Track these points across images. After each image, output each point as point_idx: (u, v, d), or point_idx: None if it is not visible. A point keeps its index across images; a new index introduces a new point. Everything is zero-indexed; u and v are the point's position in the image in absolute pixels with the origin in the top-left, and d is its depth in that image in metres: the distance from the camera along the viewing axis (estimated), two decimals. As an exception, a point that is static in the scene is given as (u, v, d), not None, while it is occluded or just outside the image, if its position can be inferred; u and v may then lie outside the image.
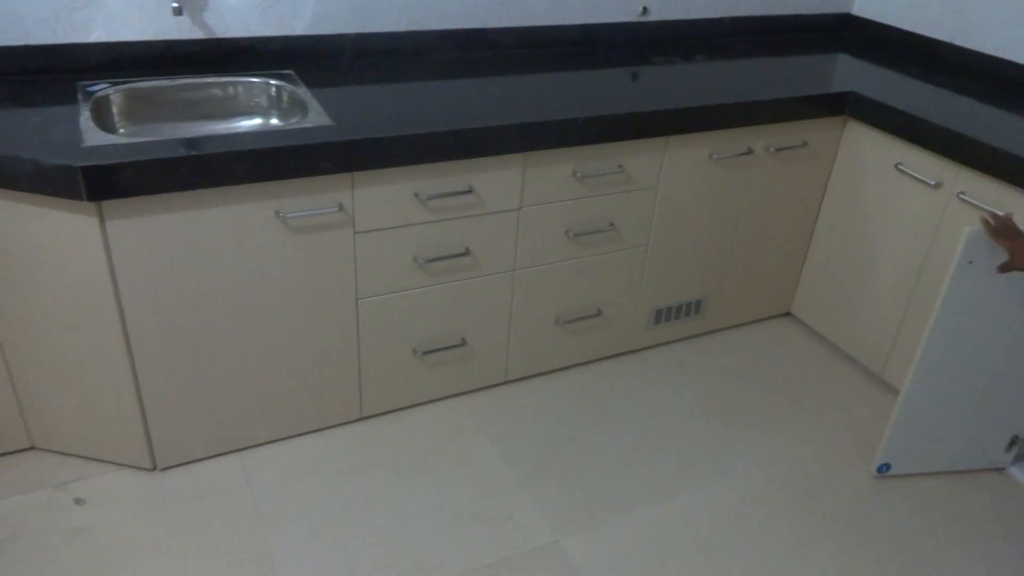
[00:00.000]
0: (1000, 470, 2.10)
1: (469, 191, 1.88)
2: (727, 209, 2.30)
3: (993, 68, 2.46)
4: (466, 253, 1.97)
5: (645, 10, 2.52)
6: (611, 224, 2.14)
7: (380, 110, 1.83)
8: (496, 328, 2.13)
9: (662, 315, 2.41)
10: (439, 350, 2.07)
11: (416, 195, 1.82)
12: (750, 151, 2.22)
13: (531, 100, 1.97)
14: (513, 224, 1.99)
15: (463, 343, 2.10)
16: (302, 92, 1.90)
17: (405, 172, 1.78)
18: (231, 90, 1.97)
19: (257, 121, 2.00)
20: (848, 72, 2.44)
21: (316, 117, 1.76)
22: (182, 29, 1.96)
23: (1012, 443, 2.04)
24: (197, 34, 1.97)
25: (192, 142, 1.60)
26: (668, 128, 2.04)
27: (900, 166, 2.16)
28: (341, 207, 1.75)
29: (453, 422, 2.12)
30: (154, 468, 1.90)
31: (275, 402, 1.94)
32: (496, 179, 1.90)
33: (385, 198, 1.79)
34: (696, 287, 2.41)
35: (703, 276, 2.40)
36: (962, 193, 2.02)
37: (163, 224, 1.61)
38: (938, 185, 2.07)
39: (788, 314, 2.69)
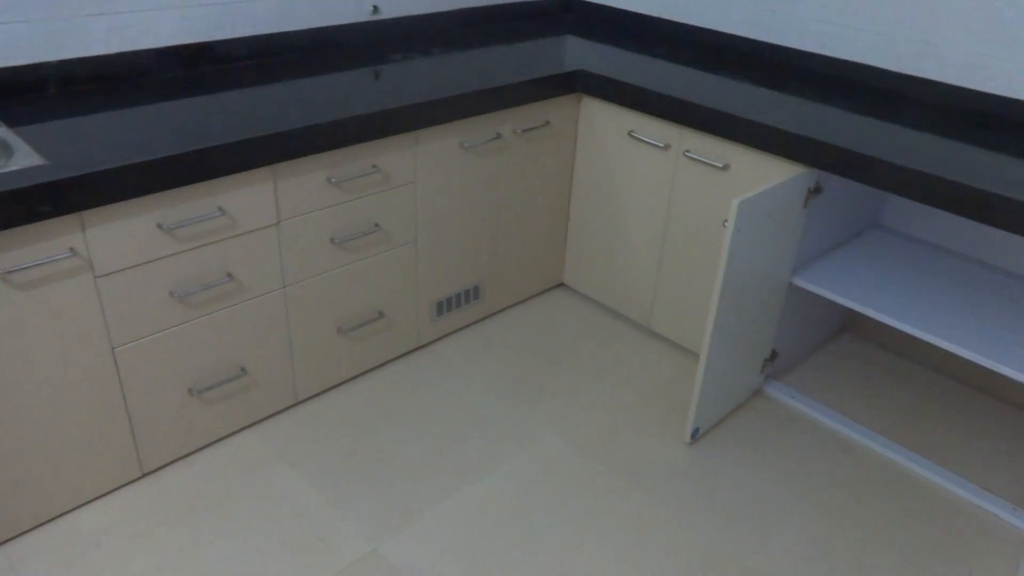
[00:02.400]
0: (760, 391, 2.36)
1: (219, 213, 1.78)
2: (487, 194, 2.38)
3: (700, 38, 2.74)
4: (229, 278, 1.86)
5: (376, 9, 2.52)
6: (376, 225, 2.12)
7: (101, 141, 1.68)
8: (276, 350, 2.05)
9: (443, 306, 2.44)
10: (218, 385, 1.95)
11: (160, 226, 1.70)
12: (498, 136, 2.30)
13: (271, 110, 1.90)
14: (274, 240, 1.92)
15: (243, 372, 2.00)
16: (3, 132, 1.69)
17: (142, 203, 1.65)
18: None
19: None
20: (575, 52, 2.60)
21: (24, 158, 1.57)
22: None
23: (770, 358, 2.30)
24: None
25: None
26: (417, 122, 2.06)
27: (633, 133, 2.35)
28: (74, 252, 1.59)
29: (248, 456, 2.01)
30: None
31: (38, 482, 1.73)
32: (246, 196, 1.82)
33: (125, 235, 1.65)
34: (471, 274, 2.47)
35: (476, 262, 2.47)
36: (687, 151, 2.23)
37: None
38: (667, 146, 2.28)
39: (561, 285, 2.84)
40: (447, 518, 1.87)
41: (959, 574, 1.80)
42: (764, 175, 2.08)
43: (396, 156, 2.08)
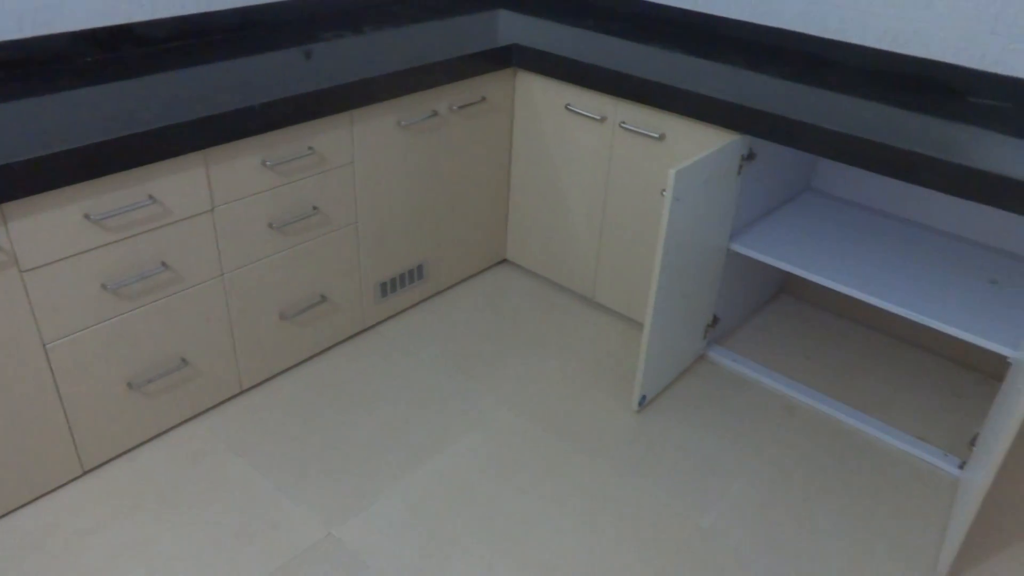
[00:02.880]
0: (703, 356, 2.41)
1: (150, 201, 1.73)
2: (426, 172, 2.36)
3: (632, 9, 2.75)
4: (164, 267, 1.81)
5: (303, -14, 2.46)
6: (315, 208, 2.09)
7: (19, 130, 1.61)
8: (218, 339, 2.01)
9: (387, 287, 2.42)
10: (158, 377, 1.91)
11: (87, 216, 1.64)
12: (435, 113, 2.28)
13: (199, 94, 1.84)
14: (209, 227, 1.87)
15: (184, 363, 1.96)
16: (-87, 123, 1.61)
17: (67, 194, 1.59)
18: None
19: None
20: (509, 26, 2.58)
21: (-63, 149, 1.50)
22: None
23: (711, 324, 2.35)
24: None
25: None
26: (351, 102, 2.02)
27: (569, 106, 2.35)
28: (-4, 246, 1.53)
29: (193, 447, 1.97)
30: None
31: (-31, 483, 1.67)
32: (178, 183, 1.77)
33: (51, 226, 1.59)
34: (414, 253, 2.46)
35: (418, 241, 2.45)
36: (623, 122, 2.25)
37: None
38: (603, 119, 2.29)
39: (504, 261, 2.84)
40: (402, 498, 1.87)
41: (898, 520, 1.88)
42: (699, 143, 2.12)
43: (332, 137, 2.05)
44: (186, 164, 1.77)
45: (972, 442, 2.06)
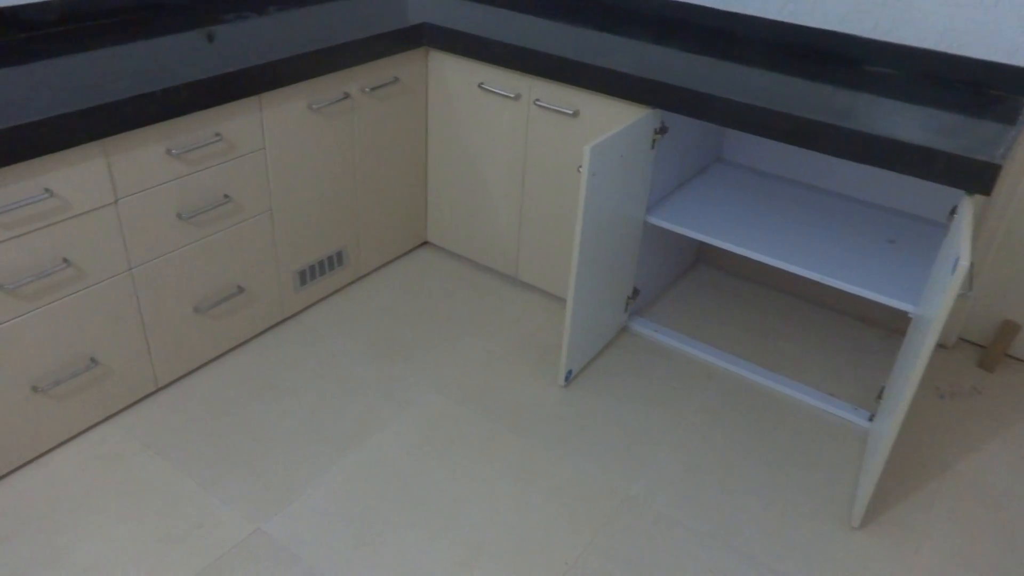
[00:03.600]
0: (626, 328, 2.46)
1: (46, 195, 1.64)
2: (341, 156, 2.31)
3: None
4: (66, 264, 1.73)
5: (201, -34, 2.37)
6: (226, 196, 2.03)
7: None
8: (129, 337, 1.93)
9: (306, 275, 2.38)
10: (67, 379, 1.82)
11: (-22, 213, 1.55)
12: (347, 95, 2.24)
13: (94, 80, 1.76)
14: (113, 220, 1.79)
15: (94, 363, 1.88)
16: None
17: (-46, 190, 1.50)
18: None
19: None
20: (419, 4, 2.55)
21: None
22: None
23: (632, 296, 2.39)
24: None
25: None
26: (259, 85, 1.96)
27: (483, 85, 2.34)
28: None
29: (109, 450, 1.90)
30: None
31: None
32: (76, 175, 1.69)
33: (-64, 225, 1.50)
34: (333, 239, 2.41)
35: (337, 227, 2.41)
36: (538, 100, 2.25)
37: None
38: (517, 96, 2.29)
39: (426, 243, 2.83)
40: (331, 488, 1.85)
41: (815, 474, 1.97)
42: (613, 119, 2.14)
43: (240, 122, 1.98)
44: (84, 155, 1.68)
45: (879, 395, 2.17)
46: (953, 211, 1.78)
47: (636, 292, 2.41)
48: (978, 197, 2.09)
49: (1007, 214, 2.27)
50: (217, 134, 1.94)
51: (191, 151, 1.90)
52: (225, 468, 1.88)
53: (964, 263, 1.46)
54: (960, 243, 1.52)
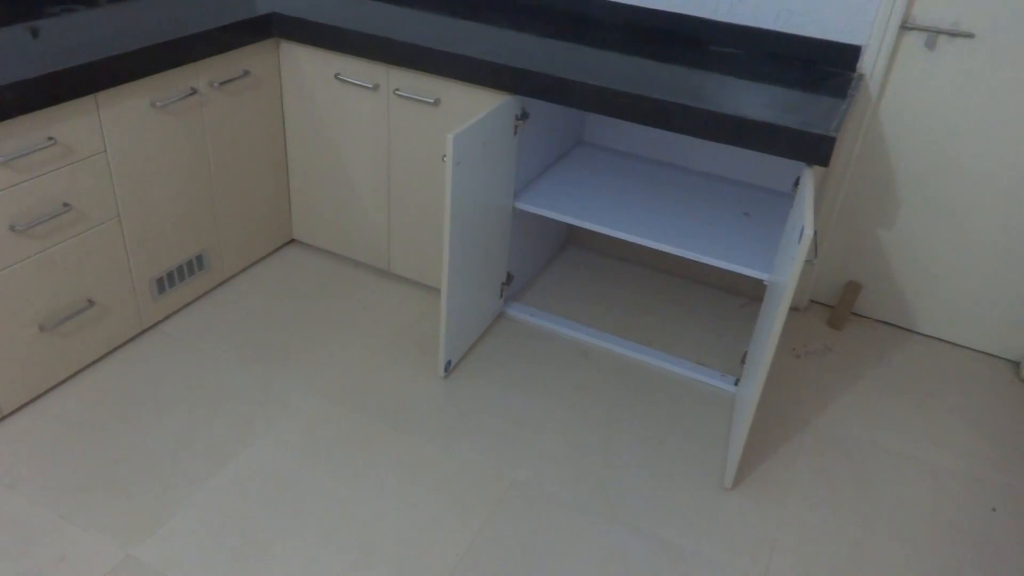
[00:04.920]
0: (501, 314, 2.48)
1: None
2: (193, 154, 2.19)
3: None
4: None
5: (19, -45, 2.17)
6: (66, 204, 1.88)
7: None
8: (-36, 364, 1.77)
9: (164, 282, 2.25)
10: None
11: None
12: (194, 91, 2.12)
13: (-103, 84, 1.58)
14: (-66, 238, 1.63)
15: (-76, 396, 1.70)
16: None
17: None
18: None
19: None
20: (266, -7, 2.45)
21: None
22: None
23: (506, 282, 2.40)
24: None
25: None
26: (94, 83, 1.83)
27: (340, 76, 2.28)
28: None
29: (-50, 490, 1.74)
30: None
31: None
32: None
33: None
34: (191, 243, 2.29)
35: (194, 230, 2.29)
36: (397, 90, 2.22)
37: None
38: (376, 87, 2.25)
39: (292, 241, 2.74)
40: (207, 504, 1.77)
41: (689, 442, 2.06)
42: (474, 107, 2.14)
43: (76, 124, 1.84)
44: None
45: (743, 360, 2.29)
46: (796, 182, 1.89)
47: (510, 277, 2.43)
48: (818, 168, 2.23)
49: (844, 183, 2.45)
50: (50, 138, 1.80)
51: (21, 157, 1.74)
52: (87, 495, 1.76)
53: (808, 232, 1.55)
54: (804, 213, 1.62)
